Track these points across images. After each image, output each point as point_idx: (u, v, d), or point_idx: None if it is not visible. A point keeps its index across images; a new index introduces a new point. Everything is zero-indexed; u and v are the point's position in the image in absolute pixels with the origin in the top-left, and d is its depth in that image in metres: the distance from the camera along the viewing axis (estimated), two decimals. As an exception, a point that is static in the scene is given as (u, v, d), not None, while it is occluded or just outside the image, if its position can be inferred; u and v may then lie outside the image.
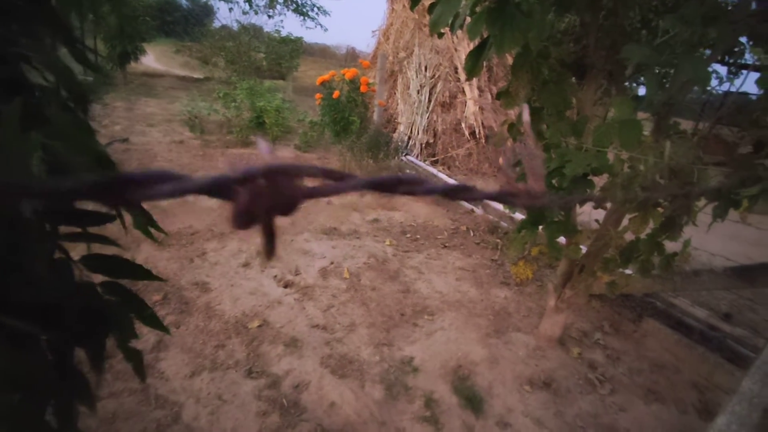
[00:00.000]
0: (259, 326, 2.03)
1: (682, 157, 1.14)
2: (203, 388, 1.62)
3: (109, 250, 0.73)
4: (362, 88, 3.99)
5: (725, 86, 1.72)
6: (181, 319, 1.99)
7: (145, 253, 2.50)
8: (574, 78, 1.81)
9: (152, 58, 15.73)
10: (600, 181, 1.56)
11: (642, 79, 1.89)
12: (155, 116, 6.60)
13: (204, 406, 1.54)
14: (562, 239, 2.31)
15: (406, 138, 6.07)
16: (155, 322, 0.85)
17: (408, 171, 4.91)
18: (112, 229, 0.78)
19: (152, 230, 0.84)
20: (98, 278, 0.73)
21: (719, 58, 1.85)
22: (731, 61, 1.82)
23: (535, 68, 1.40)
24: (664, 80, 1.63)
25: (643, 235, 1.80)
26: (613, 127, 1.31)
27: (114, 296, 0.76)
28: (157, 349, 1.78)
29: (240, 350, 1.86)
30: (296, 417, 1.57)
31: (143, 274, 0.82)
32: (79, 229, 0.72)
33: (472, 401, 1.77)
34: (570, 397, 1.91)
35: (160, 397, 1.54)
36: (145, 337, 1.83)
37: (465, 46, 6.08)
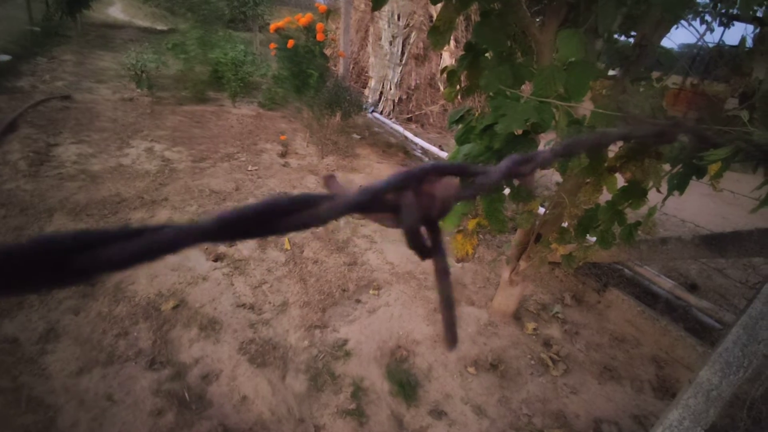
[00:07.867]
0: (175, 307, 1.80)
1: (636, 108, 0.88)
2: (90, 388, 1.40)
3: None
4: (318, 36, 3.58)
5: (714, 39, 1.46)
6: (82, 304, 1.74)
7: (56, 225, 2.22)
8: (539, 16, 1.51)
9: (119, 8, 14.53)
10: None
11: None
12: (107, 71, 6.05)
13: (87, 409, 1.33)
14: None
15: (377, 93, 5.67)
16: None
17: (375, 129, 4.58)
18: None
19: None
20: None
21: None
22: (722, 11, 1.55)
23: (464, -7, 1.09)
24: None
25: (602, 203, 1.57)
26: (558, 71, 1.04)
27: None
28: (44, 339, 1.55)
29: (145, 338, 1.64)
30: (196, 414, 1.37)
31: None
32: None
33: (405, 388, 1.59)
34: (518, 380, 1.75)
35: (34, 398, 1.33)
36: (33, 324, 1.60)
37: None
